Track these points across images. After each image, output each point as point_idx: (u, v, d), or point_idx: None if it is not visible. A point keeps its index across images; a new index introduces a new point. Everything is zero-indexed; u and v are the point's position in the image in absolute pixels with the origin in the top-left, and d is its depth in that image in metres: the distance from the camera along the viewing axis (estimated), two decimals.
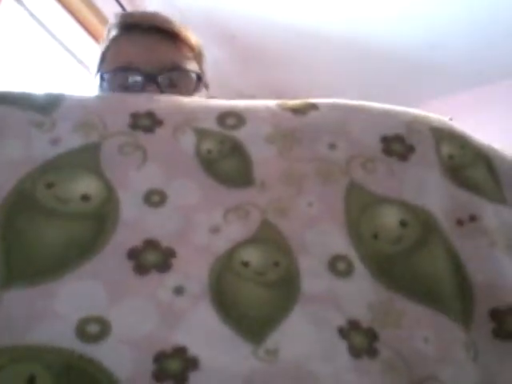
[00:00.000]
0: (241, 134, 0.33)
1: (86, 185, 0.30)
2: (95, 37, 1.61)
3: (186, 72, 0.54)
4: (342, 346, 0.25)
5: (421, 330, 0.26)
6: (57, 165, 0.30)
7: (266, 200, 0.30)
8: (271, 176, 0.31)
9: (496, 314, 0.28)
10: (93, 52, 1.62)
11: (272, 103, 0.37)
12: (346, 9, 1.85)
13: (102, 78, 0.54)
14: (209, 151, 0.32)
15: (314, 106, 0.36)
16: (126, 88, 0.52)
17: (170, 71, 0.52)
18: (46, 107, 0.34)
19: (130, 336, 0.23)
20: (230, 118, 0.34)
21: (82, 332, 0.23)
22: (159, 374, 0.22)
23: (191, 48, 0.57)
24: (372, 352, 0.25)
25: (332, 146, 0.33)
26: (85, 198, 0.29)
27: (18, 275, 0.25)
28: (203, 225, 0.29)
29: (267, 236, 0.29)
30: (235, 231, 0.29)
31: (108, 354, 0.22)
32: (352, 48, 2.06)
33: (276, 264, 0.28)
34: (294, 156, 0.32)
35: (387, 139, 0.33)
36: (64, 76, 1.56)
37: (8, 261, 0.26)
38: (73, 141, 0.31)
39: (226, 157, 0.32)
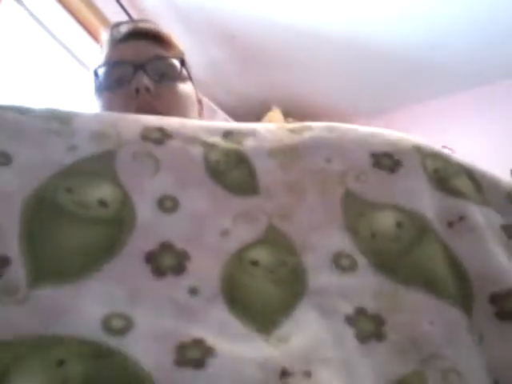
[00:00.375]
0: (245, 148, 0.36)
1: (103, 190, 0.31)
2: (95, 37, 1.61)
3: (170, 60, 0.60)
4: (349, 332, 0.27)
5: (426, 314, 0.28)
6: (74, 171, 0.32)
7: (271, 207, 0.33)
8: (275, 186, 0.34)
9: (495, 298, 0.30)
10: (93, 52, 1.63)
11: (270, 125, 0.41)
12: (346, 9, 1.85)
13: (96, 75, 0.60)
14: (217, 162, 0.35)
15: (309, 127, 0.39)
16: (119, 80, 0.57)
17: (155, 60, 0.59)
18: (64, 118, 0.36)
19: (152, 331, 0.25)
20: (234, 135, 0.37)
21: (107, 326, 0.25)
22: (180, 361, 0.24)
23: (176, 49, 0.64)
24: (380, 335, 0.27)
25: (328, 160, 0.36)
26: (102, 203, 0.30)
27: (45, 275, 0.27)
28: (214, 229, 0.31)
29: (274, 238, 0.31)
30: (244, 233, 0.31)
31: (133, 346, 0.24)
32: (352, 48, 2.06)
33: (284, 263, 0.30)
34: (294, 169, 0.35)
35: (376, 155, 0.37)
36: (64, 76, 1.56)
37: (34, 262, 0.27)
38: (89, 149, 0.33)
39: (232, 168, 0.35)
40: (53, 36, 1.51)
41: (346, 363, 0.26)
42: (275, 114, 2.32)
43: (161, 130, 0.36)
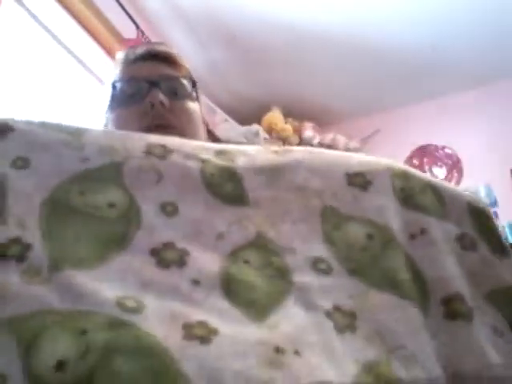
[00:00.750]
0: (236, 166, 0.40)
1: (112, 195, 0.35)
2: (95, 37, 1.61)
3: (181, 79, 0.66)
4: (328, 324, 0.32)
5: (392, 313, 0.34)
6: (86, 177, 0.36)
7: (259, 217, 0.38)
8: (262, 199, 0.39)
9: (445, 301, 0.36)
10: (92, 52, 1.63)
11: (258, 147, 0.46)
12: (346, 9, 1.85)
13: (113, 88, 0.65)
14: (211, 175, 0.39)
15: (290, 150, 0.45)
16: (133, 95, 0.62)
17: (168, 79, 0.64)
18: (75, 132, 0.39)
19: (161, 313, 0.29)
20: (226, 154, 0.42)
21: (121, 305, 0.28)
22: (187, 336, 0.27)
23: (187, 72, 0.69)
24: (353, 328, 0.32)
25: (306, 179, 0.41)
26: (111, 205, 0.34)
27: (64, 261, 0.30)
28: (210, 232, 0.35)
29: (262, 242, 0.36)
30: (236, 238, 0.36)
31: (145, 322, 0.28)
32: (352, 48, 2.06)
33: (270, 263, 0.35)
34: (278, 185, 0.40)
35: (350, 175, 0.41)
36: (64, 76, 1.56)
37: (54, 249, 0.31)
38: (99, 160, 0.37)
39: (225, 181, 0.39)
40: (53, 36, 1.51)
41: (326, 347, 0.30)
42: (275, 114, 2.32)
43: (163, 146, 0.40)
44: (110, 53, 1.66)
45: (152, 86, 0.61)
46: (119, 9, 1.57)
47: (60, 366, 0.24)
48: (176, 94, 0.63)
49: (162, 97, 0.60)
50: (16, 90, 1.35)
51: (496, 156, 2.19)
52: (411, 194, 0.42)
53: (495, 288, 0.38)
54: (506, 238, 1.93)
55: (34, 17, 1.43)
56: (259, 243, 0.36)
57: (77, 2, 1.50)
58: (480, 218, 0.43)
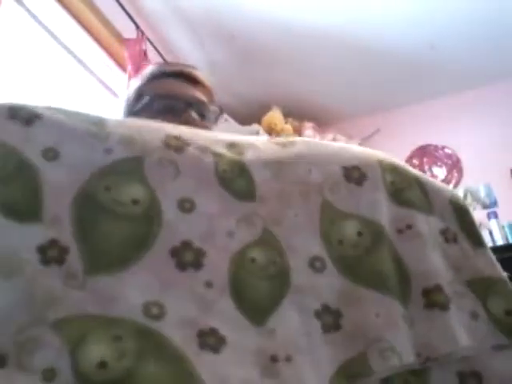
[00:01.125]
0: (246, 160, 0.42)
1: (135, 190, 0.37)
2: (95, 37, 1.61)
3: (211, 106, 0.73)
4: (316, 324, 0.36)
5: (373, 308, 0.37)
6: (110, 171, 0.37)
7: (264, 212, 0.40)
8: (268, 194, 0.41)
9: (425, 292, 0.39)
10: (92, 52, 1.63)
11: (263, 138, 0.49)
12: (346, 9, 1.85)
13: (140, 97, 0.70)
14: (224, 171, 0.41)
15: (293, 143, 0.47)
16: (170, 110, 0.67)
17: (201, 104, 0.71)
18: (98, 122, 0.40)
19: (180, 318, 0.32)
20: (236, 147, 0.44)
21: (146, 312, 0.31)
22: (202, 344, 0.31)
23: (211, 93, 0.75)
24: (337, 326, 0.36)
25: (309, 171, 0.43)
26: (135, 202, 0.36)
27: (97, 265, 0.33)
28: (222, 230, 0.38)
29: (267, 240, 0.38)
30: (244, 235, 0.38)
31: (166, 328, 0.31)
32: (352, 48, 2.06)
33: (274, 263, 0.37)
34: (283, 179, 0.42)
35: (346, 168, 0.44)
36: (63, 76, 1.56)
37: (87, 252, 0.33)
38: (122, 153, 0.38)
39: (236, 176, 0.41)
40: (53, 36, 1.51)
41: (312, 350, 0.34)
42: (275, 114, 2.32)
43: (179, 138, 0.41)
44: (110, 53, 1.66)
45: (188, 106, 0.68)
46: (119, 9, 1.57)
47: (102, 365, 0.28)
48: (204, 116, 0.70)
49: (196, 117, 0.68)
50: (16, 90, 1.35)
51: (496, 156, 2.19)
52: (400, 188, 0.44)
53: (474, 277, 0.42)
54: (506, 238, 1.93)
55: (34, 17, 1.43)
56: (265, 240, 0.38)
57: (77, 1, 1.50)
58: (461, 212, 0.46)
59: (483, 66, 2.21)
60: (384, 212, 0.42)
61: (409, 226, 0.42)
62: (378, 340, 0.35)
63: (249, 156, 0.43)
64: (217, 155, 0.41)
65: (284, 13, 1.86)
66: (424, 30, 1.98)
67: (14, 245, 0.31)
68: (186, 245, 0.36)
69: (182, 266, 0.35)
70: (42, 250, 0.32)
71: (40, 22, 1.46)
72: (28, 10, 1.41)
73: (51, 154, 0.36)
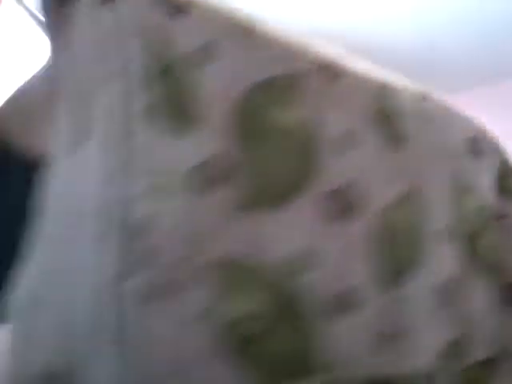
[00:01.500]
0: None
1: (289, 114, 0.30)
2: None
3: None
4: None
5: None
6: (267, 86, 0.30)
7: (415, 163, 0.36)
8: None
9: (507, 287, 0.37)
10: None
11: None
12: (345, 9, 1.85)
13: None
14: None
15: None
16: None
17: None
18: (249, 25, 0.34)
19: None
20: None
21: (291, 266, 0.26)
22: None
23: None
24: None
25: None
26: (288, 133, 0.29)
27: (259, 195, 0.27)
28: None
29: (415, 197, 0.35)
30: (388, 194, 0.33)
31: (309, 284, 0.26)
32: (350, 48, 2.06)
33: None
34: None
35: (469, 140, 0.41)
36: None
37: (251, 182, 0.27)
38: (278, 67, 0.31)
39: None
40: None
41: None
42: None
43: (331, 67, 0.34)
44: None
45: None
46: None
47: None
48: None
49: None
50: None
51: None
52: (504, 176, 0.43)
53: None
54: None
55: (34, 17, 1.43)
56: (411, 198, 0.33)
57: None
58: None
59: (483, 66, 2.21)
60: (492, 198, 0.41)
61: (505, 216, 0.41)
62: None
63: None
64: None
65: (284, 13, 1.86)
66: (423, 30, 1.98)
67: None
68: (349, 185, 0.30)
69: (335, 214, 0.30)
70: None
71: (40, 22, 1.46)
72: (28, 10, 1.41)
73: (208, 53, 0.29)
